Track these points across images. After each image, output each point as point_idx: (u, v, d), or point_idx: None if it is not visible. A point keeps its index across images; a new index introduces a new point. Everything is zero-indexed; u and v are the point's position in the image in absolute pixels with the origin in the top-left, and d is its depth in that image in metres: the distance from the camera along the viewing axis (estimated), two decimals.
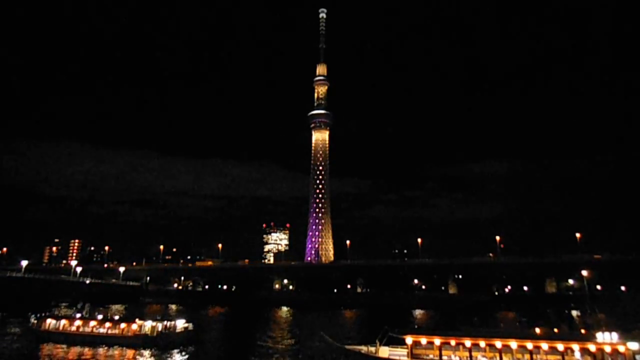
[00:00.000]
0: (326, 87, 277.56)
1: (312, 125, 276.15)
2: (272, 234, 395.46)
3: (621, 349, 31.77)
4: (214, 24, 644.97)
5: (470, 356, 34.05)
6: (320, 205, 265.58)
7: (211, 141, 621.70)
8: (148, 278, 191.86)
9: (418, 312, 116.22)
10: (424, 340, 35.93)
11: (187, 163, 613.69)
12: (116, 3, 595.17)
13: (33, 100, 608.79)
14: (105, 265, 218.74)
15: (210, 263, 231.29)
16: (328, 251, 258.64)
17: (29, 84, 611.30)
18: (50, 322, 56.01)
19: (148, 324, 52.14)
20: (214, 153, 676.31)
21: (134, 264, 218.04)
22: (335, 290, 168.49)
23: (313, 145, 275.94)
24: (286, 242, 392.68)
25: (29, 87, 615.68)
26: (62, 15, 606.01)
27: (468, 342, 34.38)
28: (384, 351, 38.20)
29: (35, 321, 57.16)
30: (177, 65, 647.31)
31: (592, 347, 32.31)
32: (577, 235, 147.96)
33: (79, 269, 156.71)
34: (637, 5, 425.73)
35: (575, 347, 32.64)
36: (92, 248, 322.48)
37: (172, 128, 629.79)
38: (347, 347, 40.01)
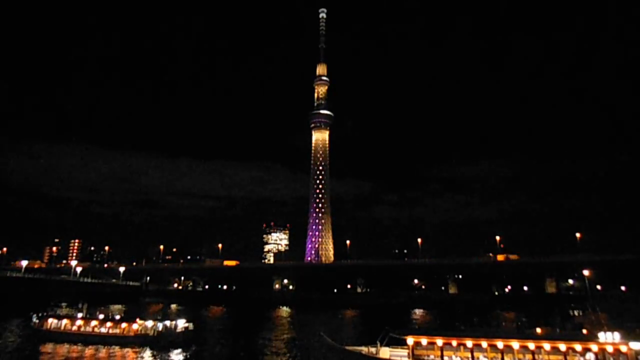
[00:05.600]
0: (326, 87, 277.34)
1: (312, 125, 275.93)
2: (272, 234, 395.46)
3: (623, 349, 31.69)
4: (214, 25, 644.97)
5: (472, 356, 33.96)
6: (320, 205, 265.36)
7: (213, 142, 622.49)
8: (148, 278, 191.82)
9: (418, 312, 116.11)
10: (425, 341, 35.81)
11: (190, 164, 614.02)
12: (120, 4, 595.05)
13: (36, 101, 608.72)
14: (106, 265, 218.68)
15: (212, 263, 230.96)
16: (328, 251, 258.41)
17: (33, 84, 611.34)
18: (51, 322, 56.14)
19: (149, 324, 52.28)
20: (216, 154, 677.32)
21: (134, 264, 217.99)
22: (335, 290, 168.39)
23: (313, 145, 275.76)
24: (286, 242, 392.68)
25: (32, 87, 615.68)
26: (67, 15, 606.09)
27: (470, 343, 34.28)
28: (384, 352, 38.06)
29: (37, 321, 57.29)
30: (179, 66, 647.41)
31: (594, 347, 32.24)
32: (577, 235, 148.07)
33: (79, 269, 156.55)
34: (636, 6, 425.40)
35: (578, 347, 32.57)
36: (92, 248, 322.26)
37: (175, 130, 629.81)
38: (348, 347, 39.86)
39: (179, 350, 48.23)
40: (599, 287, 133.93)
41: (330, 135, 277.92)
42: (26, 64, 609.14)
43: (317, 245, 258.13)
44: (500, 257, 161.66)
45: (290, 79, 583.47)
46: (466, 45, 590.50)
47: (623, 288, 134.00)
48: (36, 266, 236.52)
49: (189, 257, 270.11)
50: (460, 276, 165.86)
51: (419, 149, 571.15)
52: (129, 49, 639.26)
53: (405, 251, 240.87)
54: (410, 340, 35.98)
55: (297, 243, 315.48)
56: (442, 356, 34.57)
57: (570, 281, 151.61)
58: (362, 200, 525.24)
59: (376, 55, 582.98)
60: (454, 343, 34.86)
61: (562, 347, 32.55)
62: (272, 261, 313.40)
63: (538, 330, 36.24)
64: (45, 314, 59.53)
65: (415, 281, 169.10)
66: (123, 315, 63.10)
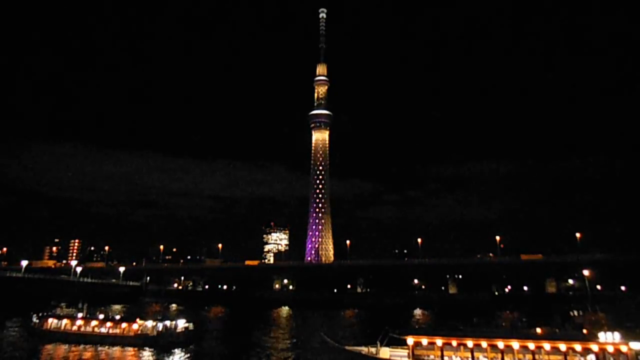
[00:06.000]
0: (326, 87, 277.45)
1: (312, 125, 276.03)
2: (272, 234, 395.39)
3: (624, 348, 31.69)
4: (214, 25, 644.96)
5: (472, 357, 33.96)
6: (320, 205, 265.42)
7: (213, 142, 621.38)
8: (148, 278, 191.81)
9: (418, 312, 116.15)
10: (425, 341, 35.81)
11: (190, 164, 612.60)
12: (118, 4, 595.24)
13: (37, 102, 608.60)
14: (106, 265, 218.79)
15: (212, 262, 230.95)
16: (328, 251, 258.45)
17: (33, 84, 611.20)
18: (51, 322, 56.20)
19: (149, 324, 52.32)
20: (216, 154, 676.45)
21: (134, 264, 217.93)
22: (335, 290, 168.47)
23: (313, 145, 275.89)
24: (286, 242, 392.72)
25: (32, 88, 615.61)
26: (66, 16, 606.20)
27: (470, 343, 34.27)
28: (384, 352, 38.07)
29: (37, 321, 57.31)
30: (179, 66, 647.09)
31: (594, 347, 32.24)
32: (577, 235, 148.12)
33: (79, 269, 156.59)
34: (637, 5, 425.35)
35: (578, 347, 32.57)
36: (92, 248, 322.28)
37: (176, 130, 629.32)
38: (348, 347, 39.88)
39: (179, 350, 48.27)
40: (599, 287, 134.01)
41: (330, 135, 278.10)
42: (26, 64, 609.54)
43: (317, 245, 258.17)
44: (524, 257, 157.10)
45: (290, 79, 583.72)
46: (466, 45, 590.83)
47: (623, 288, 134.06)
48: (51, 264, 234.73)
49: (189, 257, 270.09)
50: (460, 276, 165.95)
51: (419, 149, 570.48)
52: (129, 49, 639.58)
53: (405, 251, 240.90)
54: (410, 340, 35.97)
55: (297, 243, 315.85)
56: (442, 356, 34.56)
57: (570, 281, 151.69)
58: (362, 200, 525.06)
59: (376, 55, 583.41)
60: (454, 343, 34.85)
61: (562, 347, 32.55)
62: (272, 261, 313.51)
63: (538, 330, 36.25)
64: (45, 314, 59.55)
65: (415, 281, 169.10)
66: (123, 315, 63.14)
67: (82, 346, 50.14)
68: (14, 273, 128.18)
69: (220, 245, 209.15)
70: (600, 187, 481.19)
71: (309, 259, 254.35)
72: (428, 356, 35.64)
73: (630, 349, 31.57)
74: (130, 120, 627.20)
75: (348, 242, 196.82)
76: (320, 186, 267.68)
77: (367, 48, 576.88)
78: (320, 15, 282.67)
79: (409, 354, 36.00)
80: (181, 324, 54.84)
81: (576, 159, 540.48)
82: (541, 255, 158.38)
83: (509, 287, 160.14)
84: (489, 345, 34.05)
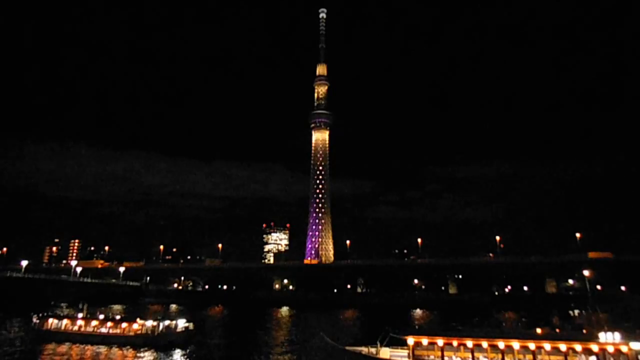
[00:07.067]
0: (326, 87, 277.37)
1: (312, 125, 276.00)
2: (272, 234, 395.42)
3: (624, 349, 31.63)
4: (213, 25, 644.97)
5: (473, 357, 33.90)
6: (320, 205, 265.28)
7: (213, 142, 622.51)
8: (148, 278, 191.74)
9: (418, 312, 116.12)
10: (425, 341, 35.71)
11: (190, 164, 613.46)
12: (119, 7, 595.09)
13: (37, 101, 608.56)
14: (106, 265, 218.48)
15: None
16: (328, 251, 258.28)
17: (34, 84, 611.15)
18: (52, 322, 56.20)
19: (149, 324, 52.31)
20: (216, 154, 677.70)
21: (134, 264, 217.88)
22: (335, 290, 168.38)
23: (313, 145, 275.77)
24: (286, 242, 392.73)
25: (33, 88, 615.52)
26: (67, 16, 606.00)
27: (470, 343, 34.20)
28: (384, 352, 37.96)
29: (37, 321, 57.29)
30: (179, 66, 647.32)
31: (594, 347, 32.20)
32: (577, 235, 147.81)
33: (79, 269, 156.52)
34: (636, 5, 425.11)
35: (578, 347, 32.52)
36: (92, 248, 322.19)
37: (175, 130, 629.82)
38: (348, 348, 39.76)
39: (179, 350, 48.25)
40: (599, 287, 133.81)
41: (330, 135, 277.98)
42: (26, 65, 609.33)
43: (317, 245, 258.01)
44: (592, 254, 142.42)
45: (290, 79, 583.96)
46: (467, 44, 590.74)
47: (623, 288, 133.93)
48: (99, 265, 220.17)
49: (189, 258, 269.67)
50: (460, 276, 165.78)
51: (419, 149, 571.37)
52: (129, 49, 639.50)
53: (405, 251, 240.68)
54: (410, 341, 35.86)
55: (297, 243, 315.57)
56: (442, 356, 34.45)
57: (570, 281, 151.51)
58: (362, 200, 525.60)
59: (376, 55, 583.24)
60: (455, 343, 34.75)
61: (563, 347, 32.49)
62: (272, 261, 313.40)
63: (538, 330, 36.17)
64: (45, 314, 59.57)
65: (415, 281, 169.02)
66: (123, 315, 63.12)
67: (82, 346, 50.15)
68: (14, 273, 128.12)
69: (220, 245, 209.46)
70: (600, 187, 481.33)
71: (309, 259, 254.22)
72: (428, 356, 35.54)
73: (630, 349, 31.50)
74: (130, 120, 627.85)
75: (348, 242, 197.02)
76: (320, 186, 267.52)
77: (367, 48, 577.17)
78: (320, 16, 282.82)
79: (409, 354, 35.89)
80: (181, 324, 54.83)
81: (576, 159, 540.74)
82: (611, 253, 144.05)
83: (509, 287, 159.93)
84: (489, 345, 33.97)
